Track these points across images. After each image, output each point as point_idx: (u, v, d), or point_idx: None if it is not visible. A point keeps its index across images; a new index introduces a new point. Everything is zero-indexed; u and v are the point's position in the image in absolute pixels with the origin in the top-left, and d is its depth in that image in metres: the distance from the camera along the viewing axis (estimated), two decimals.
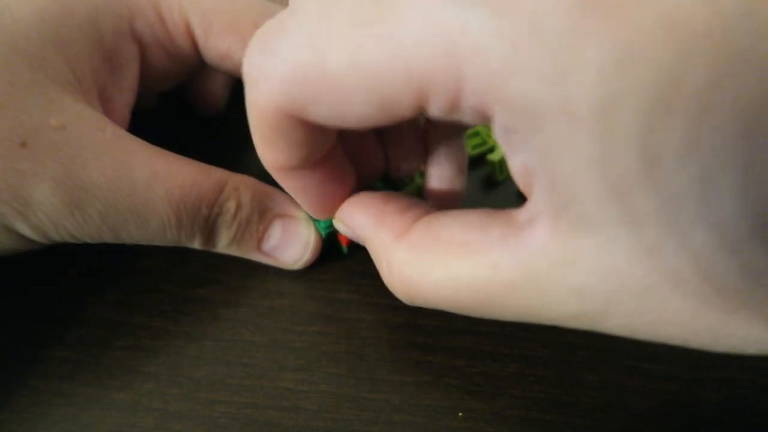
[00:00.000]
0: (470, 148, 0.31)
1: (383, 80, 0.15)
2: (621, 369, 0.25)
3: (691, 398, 0.24)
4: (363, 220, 0.21)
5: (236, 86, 0.34)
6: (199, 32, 0.27)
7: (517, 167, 0.15)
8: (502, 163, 0.30)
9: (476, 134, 0.31)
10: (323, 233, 0.26)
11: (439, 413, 0.23)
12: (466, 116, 0.15)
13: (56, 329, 0.25)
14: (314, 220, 0.26)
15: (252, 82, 0.17)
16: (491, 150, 0.31)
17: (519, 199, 0.30)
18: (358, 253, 0.27)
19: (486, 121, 0.15)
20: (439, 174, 0.24)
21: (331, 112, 0.16)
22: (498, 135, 0.15)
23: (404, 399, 0.24)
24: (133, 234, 0.23)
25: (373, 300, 0.26)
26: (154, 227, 0.23)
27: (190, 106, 0.33)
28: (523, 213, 0.16)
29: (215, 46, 0.27)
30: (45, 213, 0.21)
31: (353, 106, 0.16)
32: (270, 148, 0.19)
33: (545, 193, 0.15)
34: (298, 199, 0.23)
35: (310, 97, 0.16)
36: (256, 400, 0.24)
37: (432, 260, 0.18)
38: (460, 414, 0.23)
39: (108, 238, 0.23)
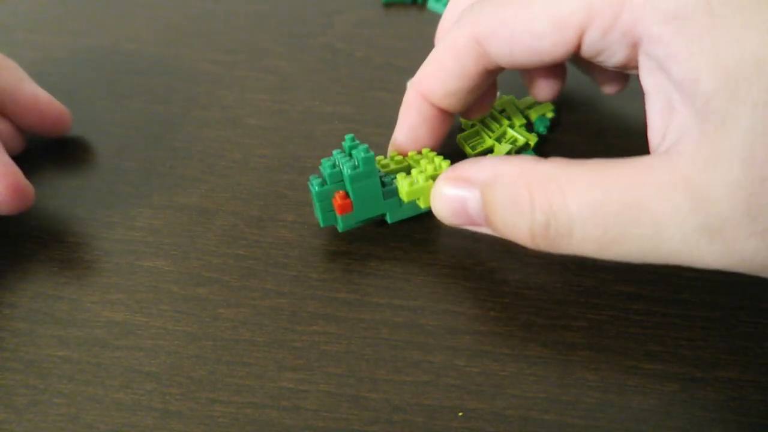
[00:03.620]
0: (470, 148, 0.31)
1: (564, 19, 0.21)
2: (621, 369, 0.25)
3: (691, 398, 0.24)
4: (488, 160, 0.23)
5: None
6: None
7: (656, 104, 0.20)
8: None
9: (476, 134, 0.31)
10: (315, 190, 0.25)
11: (439, 413, 0.23)
12: (613, 45, 0.20)
13: (56, 329, 0.25)
14: (311, 183, 0.26)
15: (458, 22, 0.24)
16: (491, 150, 0.31)
17: None
18: (357, 251, 0.27)
19: (631, 49, 0.20)
20: None
21: (511, 43, 0.22)
22: (644, 67, 0.20)
23: (404, 399, 0.24)
24: None
25: (373, 300, 0.26)
26: None
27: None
28: (665, 141, 0.20)
29: None
30: None
31: (532, 40, 0.22)
32: (439, 74, 0.25)
33: (690, 111, 0.18)
34: (404, 127, 0.27)
35: (499, 29, 0.22)
36: (256, 400, 0.24)
37: (581, 176, 0.20)
38: (460, 414, 0.23)
39: None
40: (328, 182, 0.25)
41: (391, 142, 0.28)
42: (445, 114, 0.27)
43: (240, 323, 0.26)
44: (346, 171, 0.25)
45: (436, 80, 0.25)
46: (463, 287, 0.27)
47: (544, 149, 0.32)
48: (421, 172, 0.26)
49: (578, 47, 0.22)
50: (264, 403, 0.23)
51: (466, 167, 0.23)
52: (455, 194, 0.23)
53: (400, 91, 0.34)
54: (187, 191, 0.30)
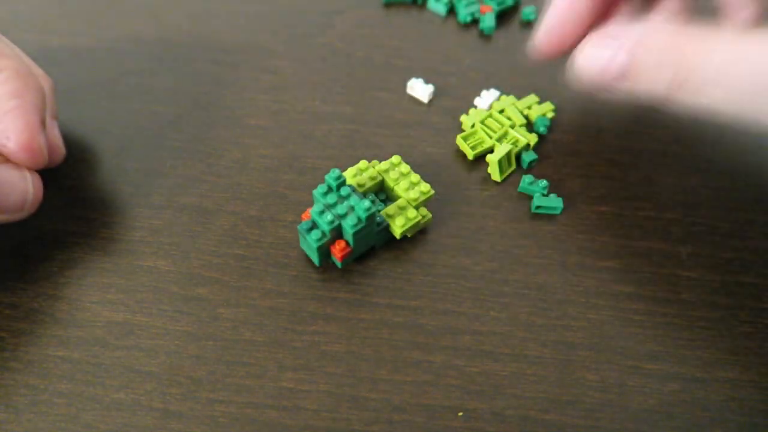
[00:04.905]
0: (470, 148, 0.31)
1: None
2: (621, 369, 0.25)
3: (691, 398, 0.24)
4: (636, 23, 0.25)
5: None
6: None
7: None
8: (501, 163, 0.30)
9: (476, 134, 0.31)
10: (315, 245, 0.26)
11: (439, 413, 0.23)
12: None
13: (56, 329, 0.25)
14: (306, 233, 0.26)
15: None
16: (491, 150, 0.31)
17: (518, 200, 0.30)
18: (353, 262, 0.27)
19: None
20: None
21: None
22: None
23: (404, 399, 0.24)
24: None
25: (373, 300, 0.26)
26: None
27: None
28: None
29: None
30: None
31: None
32: None
33: None
34: (552, 20, 0.28)
35: None
36: (256, 399, 0.24)
37: (722, 39, 0.22)
38: (460, 414, 0.23)
39: None
40: (327, 235, 0.26)
41: (538, 36, 0.28)
42: (597, 3, 0.27)
43: (240, 323, 0.26)
44: (349, 227, 0.25)
45: None
46: (463, 287, 0.27)
47: (544, 149, 0.32)
48: (407, 205, 0.27)
49: None
50: (264, 403, 0.23)
51: (615, 28, 0.25)
52: (602, 53, 0.25)
53: (400, 91, 0.35)
54: (187, 191, 0.30)
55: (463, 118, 0.32)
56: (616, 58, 0.25)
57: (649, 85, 0.24)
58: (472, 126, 0.32)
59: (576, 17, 0.27)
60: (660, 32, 0.24)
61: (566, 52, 0.28)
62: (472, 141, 0.31)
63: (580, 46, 0.26)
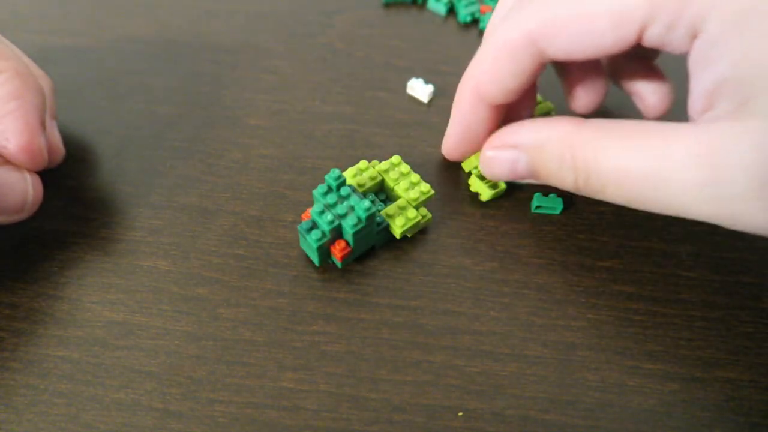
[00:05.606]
0: (488, 187, 0.29)
1: (627, 11, 0.21)
2: (621, 369, 0.25)
3: (691, 398, 0.24)
4: (531, 126, 0.26)
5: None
6: None
7: (704, 84, 0.21)
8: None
9: None
10: (314, 245, 0.26)
11: (439, 413, 0.23)
12: (676, 35, 0.21)
13: (56, 329, 0.25)
14: (306, 233, 0.26)
15: (510, 20, 0.24)
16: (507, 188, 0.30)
17: (518, 200, 0.30)
18: (353, 262, 0.27)
19: (689, 40, 0.21)
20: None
21: (569, 41, 0.23)
22: (697, 54, 0.21)
23: (404, 399, 0.24)
24: None
25: (373, 300, 0.26)
26: None
27: None
28: (701, 117, 0.22)
29: None
30: None
31: (593, 35, 0.22)
32: (494, 72, 0.25)
33: (731, 96, 0.20)
34: (460, 128, 0.28)
35: (558, 28, 0.23)
36: (256, 399, 0.24)
37: (614, 142, 0.22)
38: (460, 414, 0.23)
39: None
40: (327, 235, 0.26)
41: (445, 144, 0.29)
42: (499, 110, 0.27)
43: (240, 323, 0.26)
44: (349, 227, 0.25)
45: (493, 80, 0.25)
46: (463, 287, 0.27)
47: None
48: (407, 205, 0.27)
49: (639, 41, 0.22)
50: (264, 403, 0.23)
51: (510, 133, 0.26)
52: (504, 157, 0.26)
53: (400, 91, 0.35)
54: (187, 191, 0.30)
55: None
56: (519, 163, 0.26)
57: (559, 183, 0.25)
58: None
59: (478, 122, 0.27)
60: (552, 138, 0.24)
61: (474, 152, 0.29)
62: (488, 180, 0.29)
63: (482, 151, 0.27)
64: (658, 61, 0.29)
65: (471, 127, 0.28)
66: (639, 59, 0.28)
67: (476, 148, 0.28)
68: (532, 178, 0.26)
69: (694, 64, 0.22)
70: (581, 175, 0.23)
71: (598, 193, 0.23)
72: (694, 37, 0.21)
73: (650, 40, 0.22)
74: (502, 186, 0.29)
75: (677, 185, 0.21)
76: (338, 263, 0.27)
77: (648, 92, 0.28)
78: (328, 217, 0.25)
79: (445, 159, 0.31)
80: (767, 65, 0.20)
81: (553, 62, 0.28)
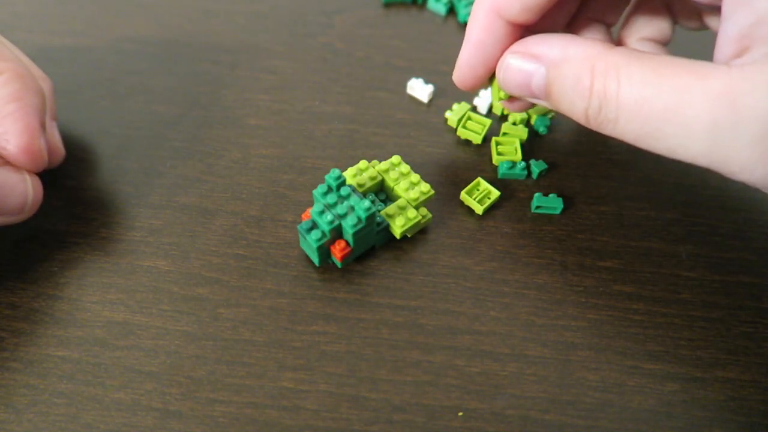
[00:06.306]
0: (477, 202, 0.29)
1: None
2: (621, 369, 0.25)
3: (691, 398, 0.24)
4: (559, 40, 0.24)
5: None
6: None
7: (738, 26, 0.20)
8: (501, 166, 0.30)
9: (479, 185, 0.30)
10: (315, 245, 0.26)
11: (439, 413, 0.23)
12: None
13: (56, 329, 0.25)
14: (306, 233, 0.26)
15: None
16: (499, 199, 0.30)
17: (518, 200, 0.30)
18: (353, 262, 0.27)
19: None
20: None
21: None
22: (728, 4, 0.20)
23: (404, 399, 0.24)
24: None
25: (373, 300, 0.26)
26: None
27: None
28: (730, 61, 0.21)
29: None
30: None
31: None
32: None
33: (762, 41, 0.19)
34: (473, 48, 0.26)
35: None
36: (256, 399, 0.24)
37: (642, 70, 0.21)
38: (460, 414, 0.23)
39: None
40: (327, 235, 0.26)
41: (457, 69, 0.27)
42: (518, 29, 0.26)
43: (240, 323, 0.26)
44: (349, 227, 0.25)
45: None
46: (463, 287, 0.27)
47: (544, 149, 0.32)
48: (407, 205, 0.27)
49: None
50: (264, 403, 0.23)
51: (535, 42, 0.24)
52: (522, 67, 0.24)
53: (400, 91, 0.35)
54: (187, 191, 0.30)
55: (447, 114, 0.32)
56: (535, 77, 0.24)
57: (568, 108, 0.24)
58: (460, 122, 0.31)
59: (494, 43, 0.26)
60: (576, 57, 0.23)
61: (488, 76, 0.27)
62: (476, 195, 0.29)
63: (503, 55, 0.25)
64: (672, 48, 0.28)
65: (487, 48, 0.26)
66: None
67: (490, 72, 0.26)
68: (543, 99, 0.25)
69: (728, 3, 0.21)
70: (594, 102, 0.22)
71: (608, 125, 0.22)
72: None
73: None
74: (496, 195, 0.29)
75: (693, 123, 0.20)
76: (338, 263, 0.27)
77: None
78: (328, 217, 0.25)
79: (445, 159, 0.31)
80: None
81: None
